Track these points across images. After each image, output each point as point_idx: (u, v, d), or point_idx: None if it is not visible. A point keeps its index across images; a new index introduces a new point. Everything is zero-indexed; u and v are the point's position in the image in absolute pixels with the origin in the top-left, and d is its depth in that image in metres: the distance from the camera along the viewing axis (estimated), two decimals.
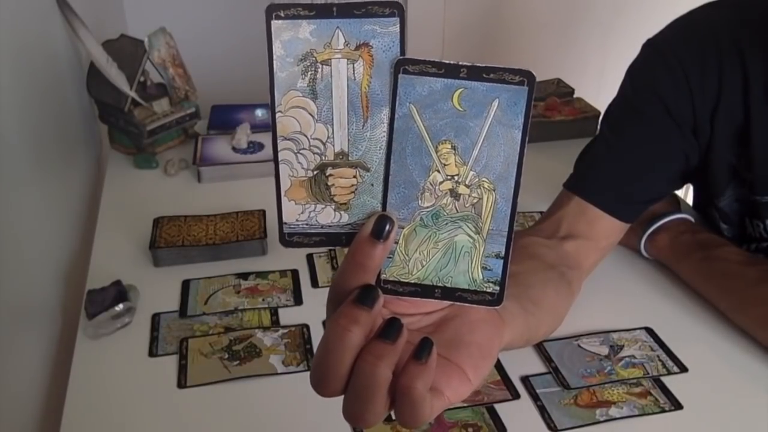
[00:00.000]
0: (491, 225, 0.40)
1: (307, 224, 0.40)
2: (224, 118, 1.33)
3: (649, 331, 0.86)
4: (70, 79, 1.20)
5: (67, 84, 1.18)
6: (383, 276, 0.41)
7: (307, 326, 0.86)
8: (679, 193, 1.03)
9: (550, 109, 1.34)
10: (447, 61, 0.37)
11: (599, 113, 1.34)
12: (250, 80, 1.86)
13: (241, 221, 1.03)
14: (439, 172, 0.39)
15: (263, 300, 0.91)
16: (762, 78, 0.79)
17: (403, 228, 0.40)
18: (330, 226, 0.40)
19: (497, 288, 0.41)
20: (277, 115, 0.39)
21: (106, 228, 1.05)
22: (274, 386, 0.78)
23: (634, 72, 0.87)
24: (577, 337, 0.85)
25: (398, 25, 0.37)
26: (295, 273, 0.96)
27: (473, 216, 0.40)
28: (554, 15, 2.18)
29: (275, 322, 0.87)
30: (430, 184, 0.40)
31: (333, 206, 0.40)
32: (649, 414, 0.75)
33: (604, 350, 0.83)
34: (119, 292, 0.87)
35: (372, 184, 0.40)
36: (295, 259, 0.99)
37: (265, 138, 1.26)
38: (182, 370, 0.80)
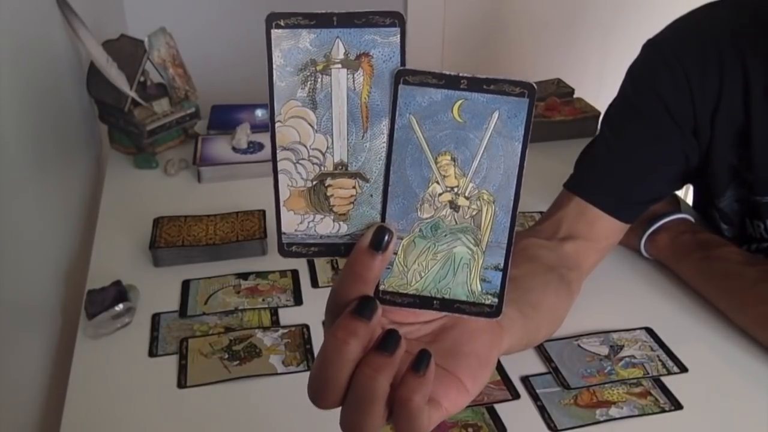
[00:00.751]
0: (490, 237, 0.40)
1: (306, 234, 0.40)
2: (224, 118, 1.33)
3: (649, 331, 0.86)
4: (70, 79, 1.20)
5: (67, 84, 1.18)
6: (381, 287, 0.41)
7: (307, 326, 0.86)
8: (679, 193, 1.03)
9: (550, 109, 1.34)
10: (447, 72, 0.37)
11: (599, 113, 1.34)
12: (250, 80, 1.86)
13: (241, 221, 1.03)
14: (438, 183, 0.39)
15: (263, 300, 0.91)
16: (763, 78, 0.79)
17: (402, 239, 0.40)
18: (329, 236, 0.40)
19: (496, 300, 0.41)
20: (277, 125, 0.39)
21: (106, 228, 1.05)
22: (274, 386, 0.78)
23: (634, 72, 0.86)
24: (577, 337, 0.85)
25: (399, 35, 0.37)
26: (295, 273, 0.96)
27: (472, 228, 0.40)
28: (554, 15, 2.18)
29: (275, 322, 0.87)
30: (430, 195, 0.39)
31: (332, 217, 0.40)
32: (649, 414, 0.75)
33: (604, 350, 0.83)
34: (119, 292, 0.87)
35: (371, 195, 0.40)
36: (295, 259, 0.98)
37: (265, 138, 1.26)
38: (182, 370, 0.80)
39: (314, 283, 0.94)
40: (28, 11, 0.98)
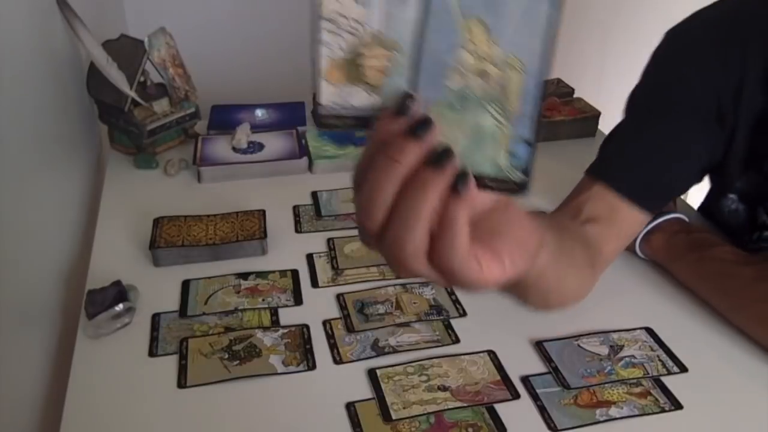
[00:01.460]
0: (519, 107, 0.39)
1: (340, 106, 0.40)
2: (224, 118, 1.33)
3: (649, 331, 0.86)
4: (70, 79, 1.20)
5: (67, 84, 1.18)
6: None
7: (307, 326, 0.86)
8: None
9: (550, 109, 1.34)
10: None
11: (599, 113, 1.34)
12: (250, 80, 1.87)
13: (241, 221, 1.03)
14: (468, 51, 0.38)
15: (263, 300, 0.91)
16: None
17: (431, 109, 0.39)
18: (362, 108, 0.40)
19: (523, 176, 0.40)
20: None
21: (106, 228, 1.05)
22: (274, 386, 0.78)
23: (658, 59, 0.86)
24: (577, 337, 0.85)
25: None
26: (295, 273, 0.96)
27: (501, 98, 0.39)
28: None
29: (275, 322, 0.87)
30: (459, 63, 0.38)
31: (366, 88, 0.40)
32: (649, 414, 0.75)
33: (604, 350, 0.83)
34: (119, 292, 0.87)
35: (404, 65, 0.39)
36: (295, 259, 0.99)
37: (265, 138, 1.26)
38: (182, 370, 0.80)
39: (314, 283, 0.94)
40: (28, 11, 0.98)
